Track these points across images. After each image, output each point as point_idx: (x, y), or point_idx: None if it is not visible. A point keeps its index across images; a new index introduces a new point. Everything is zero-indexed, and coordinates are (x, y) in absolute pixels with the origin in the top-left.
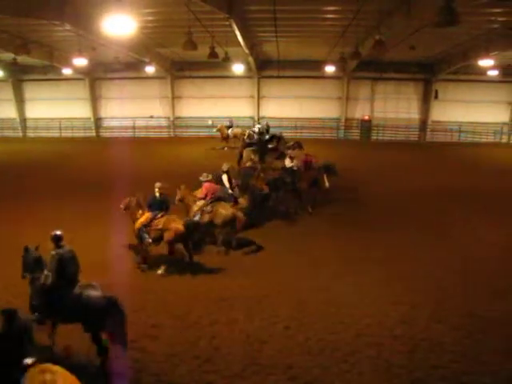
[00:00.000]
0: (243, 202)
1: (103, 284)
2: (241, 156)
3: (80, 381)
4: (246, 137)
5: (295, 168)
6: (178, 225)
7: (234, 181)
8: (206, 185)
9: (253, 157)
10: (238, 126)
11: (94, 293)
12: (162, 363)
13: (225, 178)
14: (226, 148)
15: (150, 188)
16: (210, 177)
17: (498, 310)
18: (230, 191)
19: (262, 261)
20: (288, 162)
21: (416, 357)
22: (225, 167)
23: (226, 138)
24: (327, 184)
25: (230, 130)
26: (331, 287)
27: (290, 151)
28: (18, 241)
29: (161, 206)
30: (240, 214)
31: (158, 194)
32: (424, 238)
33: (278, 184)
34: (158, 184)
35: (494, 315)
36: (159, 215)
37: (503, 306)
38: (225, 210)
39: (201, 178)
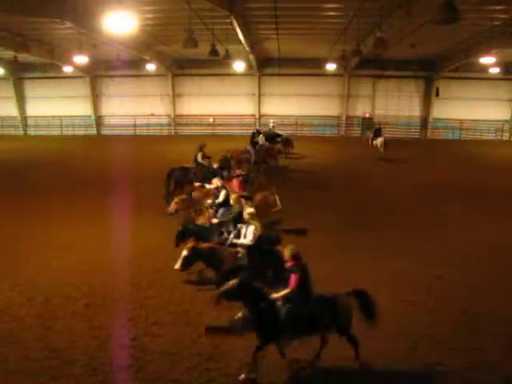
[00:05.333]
0: None
1: (104, 281)
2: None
3: None
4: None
5: None
6: None
7: None
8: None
9: None
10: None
11: None
12: (162, 361)
13: None
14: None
15: (150, 186)
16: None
17: (498, 307)
18: None
19: None
20: None
21: (416, 353)
22: None
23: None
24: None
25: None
26: (331, 285)
27: None
28: (23, 241)
29: None
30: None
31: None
32: (424, 235)
33: None
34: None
35: (494, 312)
36: None
37: (504, 303)
38: None
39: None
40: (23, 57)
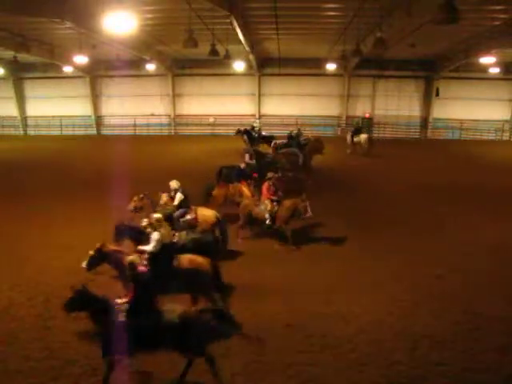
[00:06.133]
0: None
1: (103, 281)
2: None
3: None
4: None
5: None
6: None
7: None
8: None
9: None
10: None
11: None
12: (162, 361)
13: None
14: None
15: (150, 186)
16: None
17: (498, 307)
18: None
19: (262, 257)
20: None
21: (416, 354)
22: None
23: None
24: None
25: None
26: (332, 284)
27: None
28: (23, 241)
29: None
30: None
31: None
32: (424, 235)
33: None
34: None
35: (494, 312)
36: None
37: (504, 303)
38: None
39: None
40: (23, 57)
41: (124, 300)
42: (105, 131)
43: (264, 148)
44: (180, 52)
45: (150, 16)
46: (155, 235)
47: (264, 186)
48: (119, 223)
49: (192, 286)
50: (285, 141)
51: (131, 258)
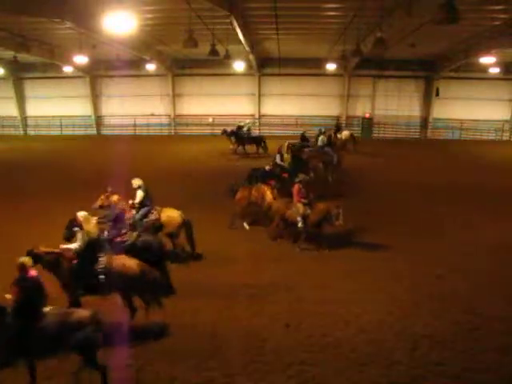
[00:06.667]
0: None
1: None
2: None
3: None
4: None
5: None
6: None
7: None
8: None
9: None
10: None
11: None
12: (162, 361)
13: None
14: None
15: (149, 187)
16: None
17: (498, 307)
18: None
19: (262, 257)
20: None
21: (416, 354)
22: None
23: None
24: None
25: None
26: (332, 284)
27: None
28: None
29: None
30: None
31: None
32: (424, 235)
33: None
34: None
35: (494, 312)
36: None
37: (504, 303)
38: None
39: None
40: (23, 57)
41: (11, 297)
42: (105, 131)
43: (251, 149)
44: (180, 52)
45: (150, 16)
46: (79, 234)
47: (294, 188)
48: (72, 219)
49: (115, 287)
50: (306, 142)
51: (23, 259)
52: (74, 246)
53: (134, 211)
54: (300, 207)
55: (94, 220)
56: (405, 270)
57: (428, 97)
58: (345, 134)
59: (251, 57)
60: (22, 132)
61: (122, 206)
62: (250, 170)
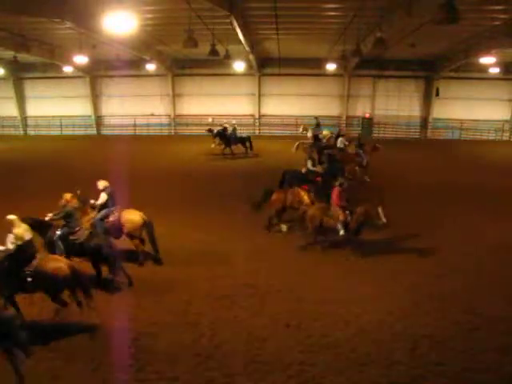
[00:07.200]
0: None
1: (102, 281)
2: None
3: None
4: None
5: None
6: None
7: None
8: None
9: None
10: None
11: None
12: (162, 361)
13: None
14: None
15: (149, 187)
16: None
17: (498, 307)
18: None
19: (263, 257)
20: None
21: (416, 353)
22: None
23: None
24: None
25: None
26: (332, 284)
27: None
28: None
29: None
30: None
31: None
32: (424, 235)
33: None
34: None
35: (494, 312)
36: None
37: (503, 304)
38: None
39: None
40: (23, 57)
41: None
42: (105, 131)
43: (238, 149)
44: (180, 52)
45: (149, 16)
46: (8, 237)
47: (334, 192)
48: (27, 217)
49: (43, 288)
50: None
51: None
52: (2, 248)
53: (96, 212)
54: (340, 213)
55: (22, 224)
56: (405, 270)
57: (428, 97)
58: (325, 133)
59: (251, 57)
60: (22, 132)
61: (75, 204)
62: (282, 171)
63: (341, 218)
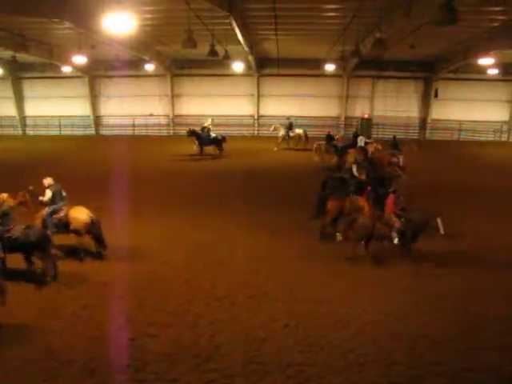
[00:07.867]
0: None
1: (102, 281)
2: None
3: None
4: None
5: None
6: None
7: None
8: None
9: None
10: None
11: None
12: (161, 362)
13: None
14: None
15: (149, 187)
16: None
17: (498, 307)
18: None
19: (263, 257)
20: None
21: (416, 353)
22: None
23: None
24: None
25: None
26: (331, 284)
27: None
28: None
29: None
30: None
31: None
32: (424, 235)
33: None
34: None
35: (494, 312)
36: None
37: (503, 304)
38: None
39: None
40: (22, 57)
41: None
42: (103, 131)
43: (213, 150)
44: (179, 52)
45: (149, 16)
46: None
47: (389, 198)
48: None
49: None
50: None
51: None
52: None
53: (47, 208)
54: (395, 220)
55: None
56: (404, 270)
57: (427, 98)
58: (298, 132)
59: (250, 57)
60: (20, 132)
61: (11, 203)
62: (326, 177)
63: (396, 225)
